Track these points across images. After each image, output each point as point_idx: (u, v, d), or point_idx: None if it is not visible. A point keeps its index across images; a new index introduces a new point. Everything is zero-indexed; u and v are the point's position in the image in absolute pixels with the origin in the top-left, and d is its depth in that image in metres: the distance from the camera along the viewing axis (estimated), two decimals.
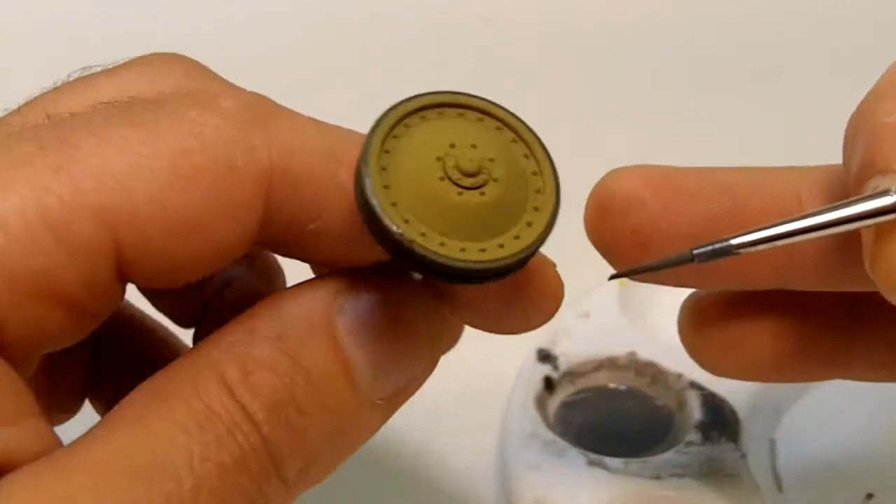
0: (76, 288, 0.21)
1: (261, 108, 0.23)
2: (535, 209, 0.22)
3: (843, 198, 0.25)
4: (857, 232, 0.23)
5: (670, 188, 0.26)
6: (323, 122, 0.24)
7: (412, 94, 0.23)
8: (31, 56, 0.54)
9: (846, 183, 0.24)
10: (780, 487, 0.35)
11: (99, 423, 0.21)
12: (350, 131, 0.24)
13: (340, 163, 0.23)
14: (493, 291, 0.25)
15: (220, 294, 0.29)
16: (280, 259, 0.31)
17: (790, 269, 0.26)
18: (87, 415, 0.30)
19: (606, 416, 0.37)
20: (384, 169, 0.22)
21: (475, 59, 0.58)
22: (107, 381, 0.30)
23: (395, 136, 0.22)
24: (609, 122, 0.53)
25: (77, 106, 0.23)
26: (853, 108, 0.24)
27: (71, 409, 0.30)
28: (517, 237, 0.22)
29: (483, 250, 0.22)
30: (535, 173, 0.23)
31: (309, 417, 0.22)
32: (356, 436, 0.24)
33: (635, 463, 0.34)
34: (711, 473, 0.34)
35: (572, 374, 0.38)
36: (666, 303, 0.41)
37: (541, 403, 0.37)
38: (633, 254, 0.26)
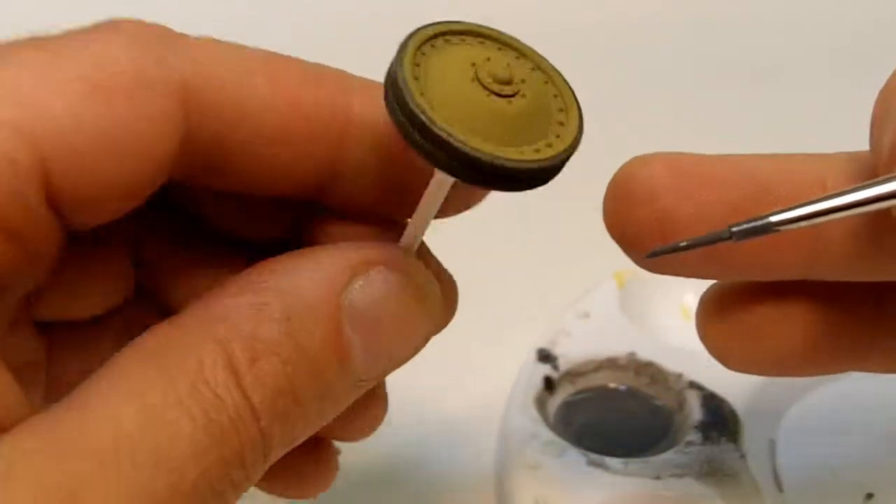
0: (5, 208, 0.20)
1: (161, 30, 0.23)
2: (561, 124, 0.23)
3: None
4: (887, 221, 0.22)
5: (694, 175, 0.26)
6: (227, 41, 0.24)
7: None
8: None
9: (875, 163, 0.23)
10: (780, 487, 0.35)
11: (93, 386, 0.21)
12: (258, 48, 0.24)
13: (254, 69, 0.23)
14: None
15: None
16: None
17: (816, 258, 0.26)
18: None
19: (606, 416, 0.37)
20: (416, 78, 0.22)
21: None
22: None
23: (422, 53, 0.23)
24: (609, 121, 0.53)
25: None
26: (853, 108, 0.24)
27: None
28: (550, 145, 0.22)
29: (537, 150, 0.22)
30: (555, 95, 0.24)
31: (302, 407, 0.22)
32: (332, 415, 0.24)
33: (635, 463, 0.34)
34: (711, 473, 0.34)
35: (572, 374, 0.38)
36: (666, 303, 0.41)
37: (541, 403, 0.37)
38: (654, 242, 0.25)
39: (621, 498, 0.33)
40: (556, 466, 0.34)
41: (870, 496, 0.35)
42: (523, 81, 0.23)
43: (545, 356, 0.38)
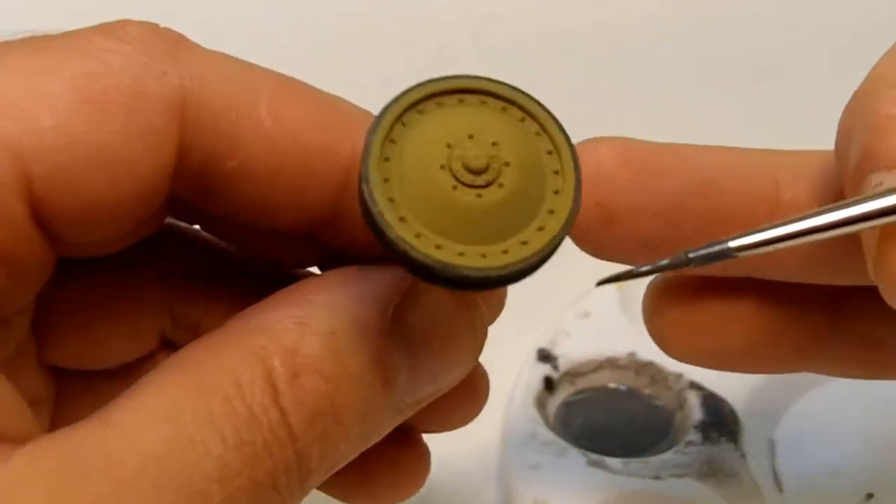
0: None
1: (172, 38, 0.22)
2: (556, 192, 0.21)
3: (826, 185, 0.24)
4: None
5: (640, 164, 0.25)
6: (238, 58, 0.23)
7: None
8: None
9: (841, 175, 0.22)
10: (780, 487, 0.35)
11: (121, 403, 0.20)
12: (269, 69, 0.23)
13: (259, 96, 0.22)
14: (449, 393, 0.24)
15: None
16: None
17: (771, 260, 0.25)
18: None
19: (606, 416, 0.37)
20: (386, 180, 0.20)
21: (475, 59, 0.58)
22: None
23: (391, 141, 0.20)
24: (609, 121, 0.53)
25: None
26: None
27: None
28: (525, 242, 0.20)
29: (506, 252, 0.20)
30: (549, 152, 0.21)
31: (344, 428, 0.21)
32: (376, 438, 0.23)
33: (635, 463, 0.34)
34: (711, 473, 0.34)
35: (572, 374, 0.38)
36: None
37: (541, 403, 0.37)
38: (597, 228, 0.25)
39: (621, 498, 0.33)
40: (556, 466, 0.34)
41: (870, 496, 0.35)
42: (507, 164, 0.20)
43: (545, 356, 0.38)
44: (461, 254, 0.20)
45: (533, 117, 0.21)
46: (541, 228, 0.20)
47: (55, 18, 0.24)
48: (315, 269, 0.27)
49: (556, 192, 0.21)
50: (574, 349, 0.38)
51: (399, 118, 0.20)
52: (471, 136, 0.20)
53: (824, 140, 0.27)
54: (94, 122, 0.20)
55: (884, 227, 0.21)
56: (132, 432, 0.19)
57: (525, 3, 0.61)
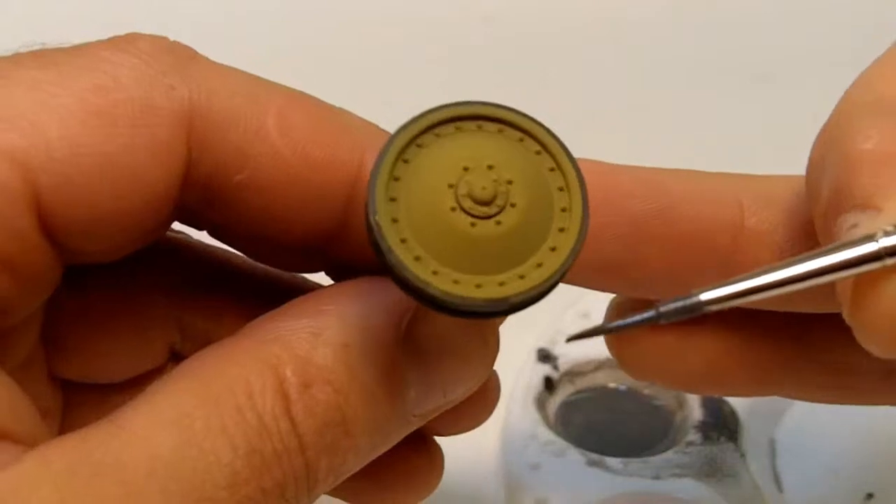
0: None
1: (180, 51, 0.22)
2: (561, 230, 0.21)
3: (793, 212, 0.24)
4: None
5: (603, 184, 0.24)
6: (247, 72, 0.23)
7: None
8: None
9: (812, 208, 0.22)
10: (780, 487, 0.35)
11: (133, 408, 0.20)
12: (277, 83, 0.23)
13: (266, 110, 0.22)
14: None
15: None
16: None
17: None
18: None
19: (606, 416, 0.37)
20: (393, 200, 0.20)
21: (475, 59, 0.58)
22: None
23: (405, 161, 0.20)
24: (609, 121, 0.53)
25: None
26: None
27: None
28: (522, 276, 0.20)
29: (502, 284, 0.20)
30: (560, 189, 0.21)
31: (353, 439, 0.21)
32: (384, 448, 0.23)
33: (635, 463, 0.34)
34: (711, 473, 0.34)
35: (572, 374, 0.38)
36: None
37: (541, 403, 0.37)
38: None
39: (621, 498, 0.33)
40: (556, 466, 0.34)
41: (870, 496, 0.35)
42: (513, 205, 0.20)
43: (545, 356, 0.38)
44: (456, 281, 0.20)
45: (548, 151, 0.21)
46: (540, 265, 0.20)
47: (65, 31, 0.24)
48: (321, 277, 0.27)
49: (561, 230, 0.21)
50: (574, 349, 0.38)
51: (414, 140, 0.20)
52: (490, 167, 0.20)
53: None
54: (102, 135, 0.21)
55: (860, 275, 0.20)
56: (142, 437, 0.19)
57: (525, 3, 0.61)
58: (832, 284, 0.21)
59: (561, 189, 0.21)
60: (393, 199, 0.20)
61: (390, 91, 0.54)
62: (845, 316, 0.20)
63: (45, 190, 0.20)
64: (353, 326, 0.22)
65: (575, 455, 0.34)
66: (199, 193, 0.23)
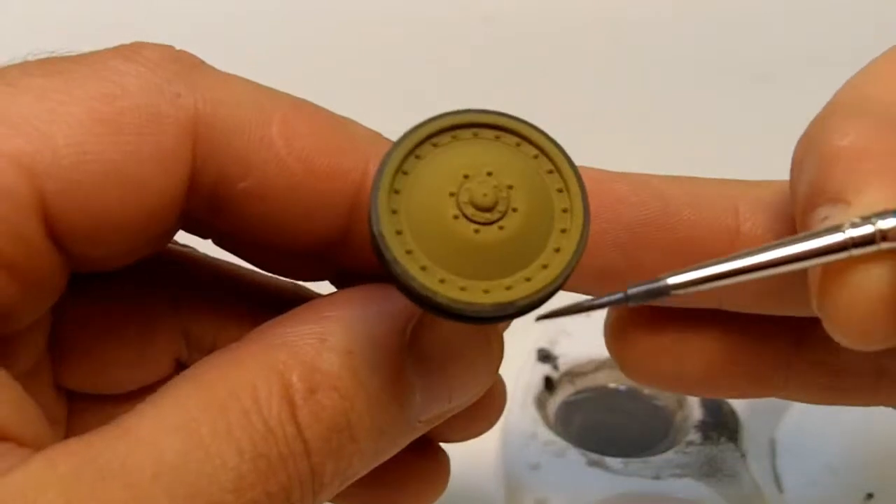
0: (4, 241, 0.20)
1: (186, 60, 0.22)
2: (563, 231, 0.21)
3: (785, 216, 0.24)
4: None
5: (600, 191, 0.25)
6: (252, 81, 0.23)
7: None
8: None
9: (793, 207, 0.22)
10: (780, 487, 0.35)
11: (140, 412, 0.20)
12: (282, 92, 0.23)
13: (271, 119, 0.22)
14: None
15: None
16: None
17: (726, 293, 0.25)
18: None
19: (606, 416, 0.37)
20: (395, 212, 0.20)
21: (475, 59, 0.58)
22: None
23: (404, 173, 0.20)
24: (609, 121, 0.53)
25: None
26: None
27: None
28: (529, 279, 0.20)
29: (509, 288, 0.20)
30: (560, 190, 0.21)
31: (358, 445, 0.21)
32: (389, 454, 0.23)
33: (635, 463, 0.34)
34: (711, 473, 0.34)
35: (572, 374, 0.38)
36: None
37: (541, 403, 0.37)
38: None
39: (621, 498, 0.33)
40: (556, 466, 0.34)
41: (870, 496, 0.35)
42: (514, 210, 0.20)
43: (545, 356, 0.38)
44: (463, 288, 0.20)
45: (546, 154, 0.21)
46: (545, 266, 0.21)
47: (65, 32, 0.24)
48: (326, 287, 0.27)
49: (564, 231, 0.21)
50: (574, 349, 0.38)
51: (412, 151, 0.21)
52: (489, 174, 0.20)
53: None
54: (108, 142, 0.21)
55: (826, 265, 0.20)
56: (148, 441, 0.19)
57: (525, 3, 0.61)
58: (805, 283, 0.21)
59: (560, 190, 0.21)
60: (395, 212, 0.20)
61: (390, 91, 0.54)
62: (813, 306, 0.21)
63: (51, 195, 0.20)
64: (359, 332, 0.22)
65: (575, 455, 0.34)
66: (204, 201, 0.23)
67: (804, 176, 0.22)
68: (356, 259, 0.24)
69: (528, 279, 0.20)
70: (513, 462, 0.35)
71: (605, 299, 0.21)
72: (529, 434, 0.35)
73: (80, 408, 0.25)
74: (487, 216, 0.20)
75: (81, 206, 0.21)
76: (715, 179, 0.26)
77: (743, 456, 0.35)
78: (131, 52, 0.22)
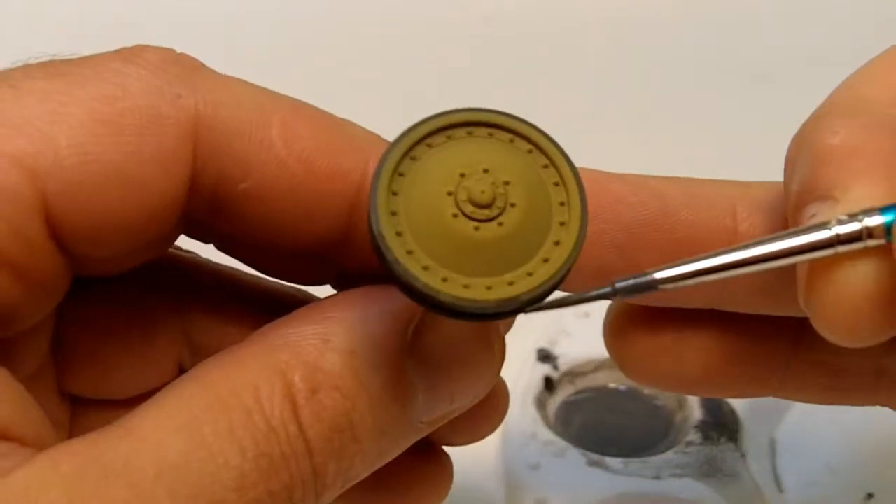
0: (7, 242, 0.20)
1: (187, 63, 0.23)
2: (562, 224, 0.21)
3: (783, 218, 0.24)
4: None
5: (598, 192, 0.25)
6: (252, 83, 0.23)
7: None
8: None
9: (786, 206, 0.22)
10: (780, 487, 0.35)
11: (144, 412, 0.20)
12: (281, 94, 0.23)
13: (271, 121, 0.22)
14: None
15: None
16: None
17: (722, 292, 0.25)
18: None
19: (606, 416, 0.37)
20: (394, 213, 0.20)
21: (475, 59, 0.58)
22: None
23: (401, 174, 0.21)
24: (609, 121, 0.53)
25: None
26: None
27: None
28: (530, 273, 0.20)
29: (512, 283, 0.20)
30: (556, 184, 0.21)
31: (360, 445, 0.21)
32: (392, 455, 0.23)
33: (635, 463, 0.34)
34: (711, 473, 0.34)
35: (572, 374, 0.38)
36: None
37: (541, 403, 0.37)
38: None
39: (621, 498, 0.33)
40: (556, 466, 0.34)
41: (870, 496, 0.35)
42: (513, 205, 0.20)
43: (545, 356, 0.38)
44: (466, 286, 0.20)
45: (540, 149, 0.21)
46: (546, 260, 0.21)
47: (70, 41, 0.24)
48: (327, 290, 0.27)
49: (562, 224, 0.21)
50: (574, 349, 0.38)
51: (407, 152, 0.21)
52: (486, 171, 0.21)
53: None
54: (110, 143, 0.21)
55: (812, 262, 0.20)
56: (151, 441, 0.19)
57: (525, 3, 0.61)
58: (793, 283, 0.21)
59: (556, 184, 0.21)
60: (394, 213, 0.20)
61: (390, 91, 0.54)
62: (801, 302, 0.21)
63: (53, 196, 0.21)
64: (361, 333, 0.22)
65: (575, 455, 0.34)
66: (205, 202, 0.23)
67: (796, 174, 0.22)
68: (357, 259, 0.24)
69: (529, 274, 0.20)
70: (513, 462, 0.35)
71: (593, 293, 0.21)
72: (529, 434, 0.35)
73: (82, 412, 0.26)
74: (486, 213, 0.20)
75: (83, 206, 0.21)
76: (713, 180, 0.26)
77: (743, 456, 0.35)
78: (132, 54, 0.22)
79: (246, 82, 0.23)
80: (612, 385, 0.38)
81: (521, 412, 0.36)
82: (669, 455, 0.35)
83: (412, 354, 0.22)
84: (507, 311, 0.21)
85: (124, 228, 0.22)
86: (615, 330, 0.27)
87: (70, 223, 0.21)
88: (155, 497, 0.19)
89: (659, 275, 0.21)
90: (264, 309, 0.26)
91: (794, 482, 0.35)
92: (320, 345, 0.21)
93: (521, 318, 0.22)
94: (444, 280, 0.20)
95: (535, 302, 0.21)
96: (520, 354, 0.38)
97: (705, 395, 0.28)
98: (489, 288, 0.20)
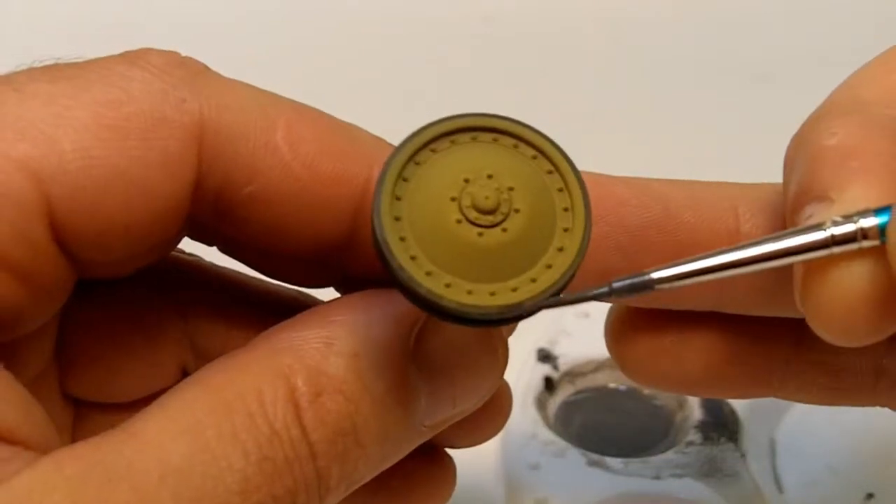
0: (11, 245, 0.20)
1: (191, 66, 0.23)
2: (566, 230, 0.21)
3: (784, 219, 0.24)
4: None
5: (601, 195, 0.25)
6: (256, 87, 0.23)
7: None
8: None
9: (784, 207, 0.22)
10: (780, 487, 0.35)
11: (147, 416, 0.20)
12: (286, 97, 0.23)
13: (275, 124, 0.22)
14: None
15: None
16: None
17: (722, 294, 0.25)
18: None
19: (606, 416, 0.37)
20: (398, 219, 0.20)
21: (475, 59, 0.58)
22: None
23: (405, 179, 0.21)
24: (609, 121, 0.53)
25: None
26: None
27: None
28: (534, 280, 0.20)
29: (515, 290, 0.20)
30: (560, 189, 0.21)
31: (364, 449, 0.21)
32: (395, 458, 0.23)
33: (635, 463, 0.34)
34: (711, 473, 0.34)
35: (572, 374, 0.38)
36: None
37: (541, 403, 0.37)
38: None
39: (621, 498, 0.33)
40: (556, 466, 0.34)
41: (870, 496, 0.35)
42: (517, 211, 0.20)
43: (545, 356, 0.38)
44: (469, 292, 0.20)
45: (544, 155, 0.21)
46: (549, 266, 0.21)
47: (71, 42, 0.24)
48: (331, 293, 0.27)
49: (566, 230, 0.21)
50: (574, 349, 0.38)
51: (412, 157, 0.21)
52: (490, 176, 0.21)
53: None
54: (114, 147, 0.21)
55: (808, 262, 0.20)
56: (155, 444, 0.19)
57: (525, 3, 0.61)
58: (792, 284, 0.21)
59: (560, 190, 0.21)
60: (398, 219, 0.20)
61: (390, 91, 0.54)
62: (797, 302, 0.21)
63: (57, 200, 0.21)
64: (364, 337, 0.22)
65: (575, 455, 0.34)
66: (210, 206, 0.23)
67: (794, 175, 0.22)
68: (361, 263, 0.24)
69: (533, 280, 0.20)
70: (513, 462, 0.35)
71: (590, 293, 0.21)
72: (529, 434, 0.35)
73: (85, 415, 0.26)
74: (490, 219, 0.20)
75: (87, 210, 0.21)
76: (715, 182, 0.26)
77: (743, 456, 0.35)
78: (137, 57, 0.22)
79: (250, 86, 0.23)
80: (612, 385, 0.38)
81: (522, 412, 0.36)
82: (669, 455, 0.35)
83: (415, 358, 0.22)
84: (509, 318, 0.21)
85: (128, 232, 0.22)
86: (616, 331, 0.27)
87: (74, 227, 0.21)
88: (159, 500, 0.19)
89: (655, 275, 0.21)
90: (268, 312, 0.26)
91: (794, 482, 0.35)
92: (324, 348, 0.21)
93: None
94: (448, 286, 0.20)
95: (538, 308, 0.21)
96: (520, 355, 0.38)
97: (706, 395, 0.28)
98: (492, 294, 0.20)
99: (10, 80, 0.21)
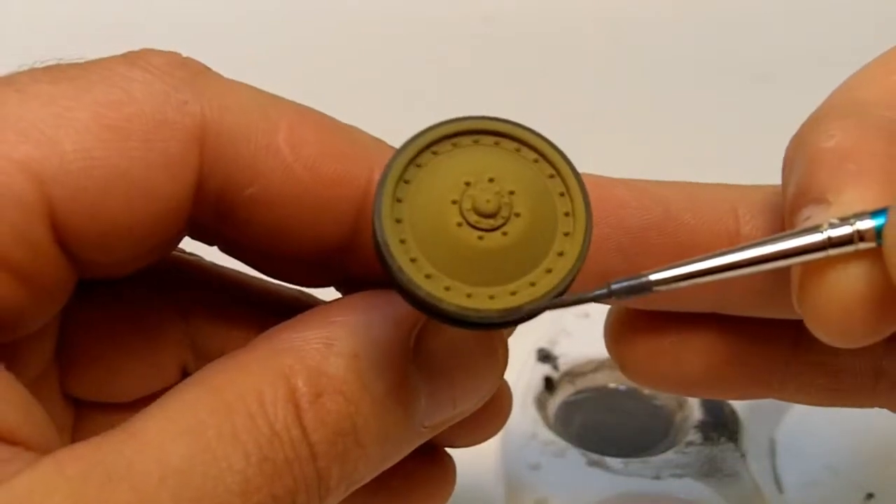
0: (12, 246, 0.20)
1: (193, 67, 0.23)
2: (566, 234, 0.21)
3: (781, 221, 0.24)
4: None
5: (601, 197, 0.25)
6: (257, 88, 0.23)
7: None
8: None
9: (783, 209, 0.22)
10: (780, 487, 0.35)
11: (148, 416, 0.20)
12: (287, 99, 0.23)
13: (277, 126, 0.22)
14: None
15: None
16: None
17: (721, 295, 0.26)
18: None
19: (606, 416, 0.37)
20: (398, 221, 0.20)
21: (475, 59, 0.58)
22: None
23: (406, 181, 0.21)
24: (609, 121, 0.53)
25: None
26: None
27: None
28: (533, 283, 0.20)
29: (514, 293, 0.20)
30: (561, 194, 0.21)
31: (364, 449, 0.22)
32: (395, 459, 0.23)
33: (635, 463, 0.34)
34: (711, 473, 0.34)
35: (572, 374, 0.38)
36: None
37: (541, 403, 0.37)
38: None
39: (621, 498, 0.33)
40: (556, 466, 0.34)
41: (870, 496, 0.35)
42: (517, 215, 0.20)
43: (545, 356, 0.38)
44: (469, 295, 0.20)
45: (546, 159, 0.21)
46: (549, 270, 0.21)
47: (71, 42, 0.24)
48: (331, 293, 0.27)
49: (567, 234, 0.21)
50: (574, 349, 0.38)
51: (413, 160, 0.21)
52: (491, 180, 0.21)
53: None
54: (115, 148, 0.21)
55: (805, 264, 0.20)
56: (155, 444, 0.19)
57: (525, 3, 0.61)
58: (788, 288, 0.21)
59: (562, 194, 0.21)
60: (399, 221, 0.20)
61: (390, 91, 0.54)
62: (794, 304, 0.21)
63: (58, 201, 0.21)
64: (364, 337, 0.22)
65: (575, 455, 0.34)
66: (211, 207, 0.23)
67: (793, 176, 0.22)
68: (362, 264, 0.24)
69: (532, 284, 0.20)
70: (513, 462, 0.35)
71: (589, 294, 0.21)
72: (529, 434, 0.35)
73: (86, 415, 0.26)
74: (491, 222, 0.20)
75: (88, 211, 0.21)
76: (714, 184, 0.26)
77: (743, 456, 0.35)
78: (138, 58, 0.22)
79: (251, 87, 0.23)
80: (612, 385, 0.38)
81: (522, 412, 0.36)
82: (669, 455, 0.35)
83: (415, 359, 0.22)
84: (509, 321, 0.20)
85: (129, 233, 0.22)
86: (616, 332, 0.27)
87: (75, 228, 0.21)
88: (159, 501, 0.19)
89: (653, 276, 0.21)
90: (268, 312, 0.26)
91: (794, 482, 0.35)
92: (324, 349, 0.21)
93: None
94: (447, 289, 0.20)
95: (537, 312, 0.21)
96: (520, 355, 0.38)
97: (705, 396, 0.28)
98: (492, 297, 0.20)
99: (12, 80, 0.21)
